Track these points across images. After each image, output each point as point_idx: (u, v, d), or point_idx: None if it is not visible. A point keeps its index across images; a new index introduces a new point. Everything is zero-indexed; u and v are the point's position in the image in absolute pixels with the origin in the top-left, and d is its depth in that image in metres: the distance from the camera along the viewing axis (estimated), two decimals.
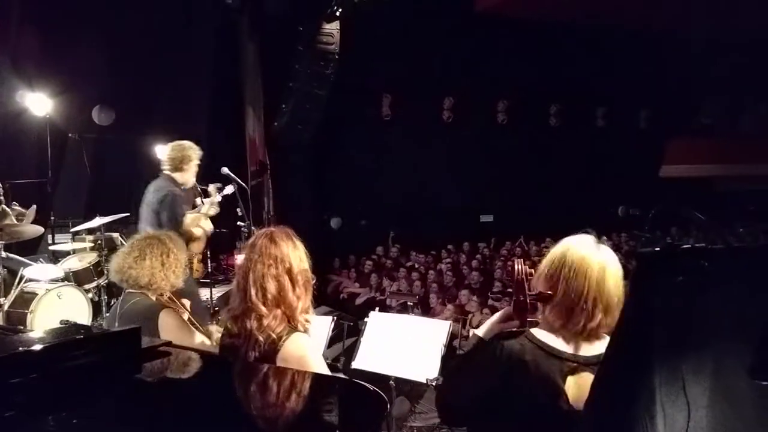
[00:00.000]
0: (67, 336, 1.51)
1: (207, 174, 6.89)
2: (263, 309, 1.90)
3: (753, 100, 14.27)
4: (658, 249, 1.09)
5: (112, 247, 5.68)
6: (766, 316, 1.06)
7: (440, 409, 1.71)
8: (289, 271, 1.94)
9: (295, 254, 1.98)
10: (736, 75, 13.03)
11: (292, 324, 1.93)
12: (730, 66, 12.60)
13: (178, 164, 4.35)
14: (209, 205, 4.79)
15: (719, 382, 1.10)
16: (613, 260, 1.58)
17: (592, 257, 1.56)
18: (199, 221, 4.64)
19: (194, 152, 4.45)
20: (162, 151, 4.41)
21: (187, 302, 3.07)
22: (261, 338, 1.88)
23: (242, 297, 1.94)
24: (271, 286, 1.91)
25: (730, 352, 1.10)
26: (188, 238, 4.34)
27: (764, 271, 1.13)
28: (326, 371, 1.94)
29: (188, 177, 4.45)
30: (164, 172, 4.40)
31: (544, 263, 1.63)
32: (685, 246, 1.10)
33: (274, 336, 1.88)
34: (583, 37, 11.62)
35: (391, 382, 3.43)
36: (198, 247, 4.74)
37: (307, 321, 1.98)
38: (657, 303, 1.08)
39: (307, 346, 1.93)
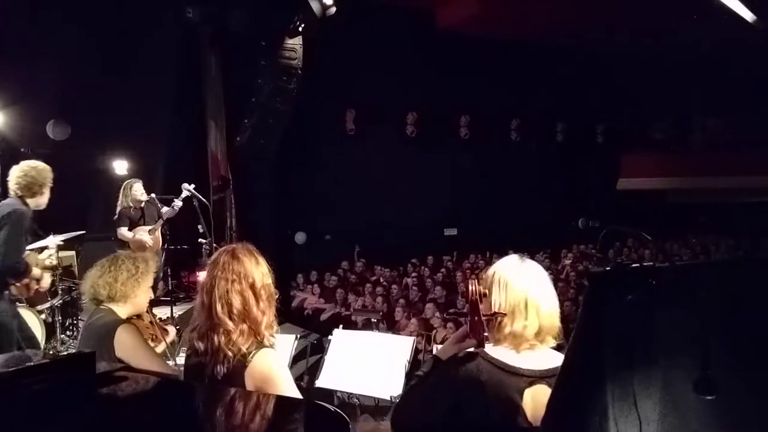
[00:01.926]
0: (16, 364, 1.45)
1: (168, 188, 6.80)
2: (230, 324, 1.90)
3: (702, 116, 14.97)
4: (608, 269, 1.14)
5: (66, 267, 5.47)
6: (709, 331, 1.11)
7: (396, 430, 1.72)
8: (253, 287, 1.95)
9: (258, 270, 2.00)
10: (685, 92, 13.65)
11: (258, 339, 1.94)
12: (680, 83, 13.19)
13: (35, 188, 3.86)
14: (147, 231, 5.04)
15: (668, 396, 1.14)
16: (539, 269, 1.73)
17: (518, 269, 1.70)
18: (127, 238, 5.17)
19: (50, 175, 3.96)
20: (13, 172, 3.87)
21: (172, 331, 3.02)
22: (230, 353, 1.88)
23: (207, 314, 1.94)
24: (236, 301, 1.92)
25: (678, 366, 1.15)
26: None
27: (708, 286, 1.19)
28: (293, 388, 1.94)
29: (43, 201, 3.97)
30: (14, 194, 3.85)
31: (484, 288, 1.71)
32: (634, 265, 1.15)
33: (243, 350, 1.88)
34: (541, 56, 11.97)
35: (354, 399, 3.41)
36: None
37: (272, 336, 2.00)
38: (607, 321, 1.12)
39: (275, 362, 1.94)
